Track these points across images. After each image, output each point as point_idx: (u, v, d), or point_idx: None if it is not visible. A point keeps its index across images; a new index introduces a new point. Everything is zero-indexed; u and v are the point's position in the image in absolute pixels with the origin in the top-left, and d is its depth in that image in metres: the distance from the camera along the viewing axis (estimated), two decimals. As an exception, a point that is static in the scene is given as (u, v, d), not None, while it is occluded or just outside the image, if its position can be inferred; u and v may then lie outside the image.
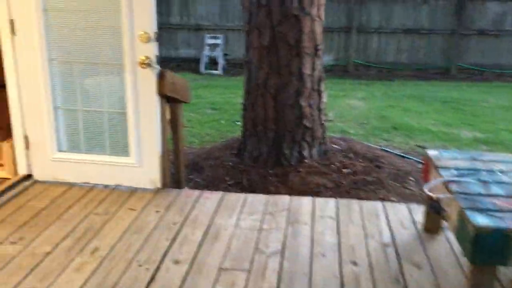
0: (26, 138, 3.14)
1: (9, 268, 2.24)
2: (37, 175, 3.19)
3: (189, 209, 2.87)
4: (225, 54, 10.16)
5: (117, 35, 2.89)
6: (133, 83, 2.94)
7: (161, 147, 3.08)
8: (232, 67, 10.19)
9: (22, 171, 3.20)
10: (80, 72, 3.02)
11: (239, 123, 4.96)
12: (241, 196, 3.08)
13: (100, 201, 2.94)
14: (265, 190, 3.47)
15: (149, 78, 2.93)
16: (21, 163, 3.20)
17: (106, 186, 3.12)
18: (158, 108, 3.01)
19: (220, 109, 6.75)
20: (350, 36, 10.26)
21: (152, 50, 2.89)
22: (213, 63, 10.10)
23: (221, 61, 10.03)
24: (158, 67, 2.94)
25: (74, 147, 3.16)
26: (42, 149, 3.14)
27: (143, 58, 2.87)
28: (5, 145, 3.20)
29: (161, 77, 2.95)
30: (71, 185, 3.13)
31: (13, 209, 2.80)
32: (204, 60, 10.06)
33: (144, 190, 3.08)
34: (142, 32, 2.85)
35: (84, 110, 3.08)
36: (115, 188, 3.10)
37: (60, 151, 3.15)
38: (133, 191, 3.08)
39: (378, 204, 3.03)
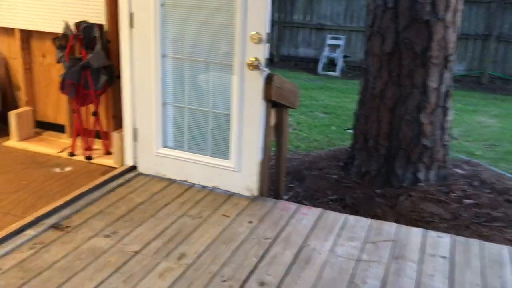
0: (135, 130, 3.20)
1: (97, 263, 2.24)
2: (141, 168, 3.24)
3: (283, 225, 2.68)
4: (345, 56, 9.79)
5: (229, 34, 2.79)
6: (240, 84, 2.82)
7: (262, 154, 2.92)
8: (351, 70, 9.80)
9: (129, 162, 3.27)
10: (190, 70, 2.98)
11: (350, 131, 4.65)
12: (342, 216, 2.81)
13: (195, 203, 2.87)
14: (370, 212, 3.15)
15: (256, 81, 2.78)
16: (128, 154, 3.27)
17: (203, 187, 3.06)
18: (263, 113, 2.85)
19: (332, 114, 6.46)
20: (488, 45, 9.26)
21: (262, 52, 2.74)
22: (331, 64, 9.79)
23: (340, 63, 9.68)
24: (266, 70, 2.78)
25: (178, 144, 3.14)
26: (148, 143, 3.17)
27: (252, 59, 2.73)
28: (116, 135, 3.28)
29: (268, 80, 2.79)
30: (170, 182, 3.12)
31: (113, 200, 2.85)
32: (322, 61, 9.81)
33: (240, 196, 2.96)
34: (254, 33, 2.70)
35: (190, 108, 3.04)
36: (212, 191, 3.02)
37: (164, 146, 3.15)
38: (229, 196, 2.97)
39: (504, 249, 2.56)
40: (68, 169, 3.28)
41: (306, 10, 10.23)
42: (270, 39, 2.76)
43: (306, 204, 3.32)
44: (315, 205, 3.30)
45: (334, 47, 9.82)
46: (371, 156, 3.54)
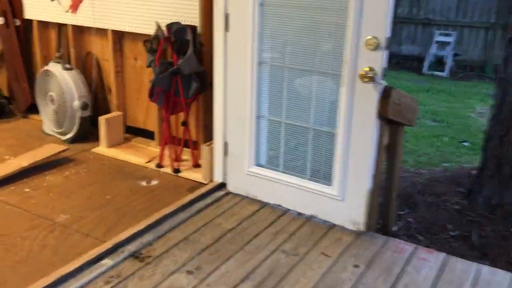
0: (225, 144, 2.87)
1: (177, 309, 1.93)
2: (230, 186, 2.91)
3: (397, 273, 2.19)
4: (456, 54, 8.82)
5: (338, 38, 2.34)
6: (349, 99, 2.36)
7: (372, 181, 2.44)
8: (461, 69, 8.82)
9: (218, 178, 2.96)
10: (290, 80, 2.57)
11: (466, 144, 3.97)
12: (472, 266, 2.26)
13: (290, 234, 2.48)
14: (505, 258, 2.54)
15: (369, 95, 2.31)
16: (218, 169, 2.95)
17: (299, 214, 2.65)
18: (375, 133, 2.37)
19: (442, 122, 5.73)
20: None
21: (379, 61, 2.25)
22: (439, 63, 8.88)
23: (449, 62, 8.74)
24: (383, 83, 2.29)
25: (272, 164, 2.76)
26: (240, 160, 2.83)
27: (366, 69, 2.25)
28: (205, 148, 2.98)
29: (385, 95, 2.30)
30: (262, 205, 2.75)
31: (199, 225, 2.54)
32: (429, 59, 8.92)
33: (343, 230, 2.51)
34: (370, 37, 2.23)
35: (288, 123, 2.64)
36: (310, 220, 2.61)
37: (257, 165, 2.79)
38: (329, 227, 2.53)
39: None
40: (154, 182, 3.04)
41: (413, 3, 9.37)
42: (390, 44, 2.26)
43: (420, 239, 2.79)
44: (432, 242, 2.76)
45: (443, 45, 8.89)
46: (506, 185, 2.90)
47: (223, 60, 2.73)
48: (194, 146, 3.30)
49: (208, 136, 3.22)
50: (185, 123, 3.16)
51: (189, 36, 2.95)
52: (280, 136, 2.68)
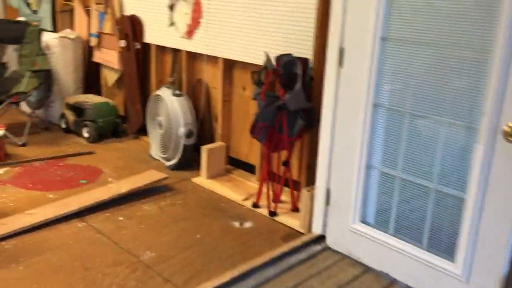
0: (328, 192, 2.54)
1: None
2: (330, 241, 2.56)
3: None
4: None
5: (475, 84, 1.90)
6: (486, 159, 1.89)
7: (509, 264, 1.93)
8: None
9: (316, 229, 2.63)
10: (411, 128, 2.17)
11: None
12: None
13: (396, 314, 2.05)
14: None
15: (515, 158, 1.82)
16: (317, 219, 2.63)
17: (410, 288, 2.21)
18: (519, 205, 1.87)
19: None
20: None
21: (531, 116, 1.77)
22: None
23: None
24: (535, 143, 1.80)
25: (380, 223, 2.36)
26: (343, 212, 2.47)
27: (513, 125, 1.78)
28: (306, 193, 2.68)
29: (537, 160, 1.80)
30: (365, 269, 2.36)
31: (289, 286, 2.23)
32: None
33: (465, 319, 2.02)
34: (521, 85, 1.76)
35: (405, 179, 2.23)
36: (422, 297, 2.15)
37: (363, 222, 2.41)
38: (447, 312, 2.06)
39: None
40: (247, 225, 2.81)
41: None
42: (549, 96, 1.77)
43: None
44: None
45: None
46: None
47: (333, 98, 2.42)
48: (294, 187, 3.02)
49: (311, 177, 2.92)
50: (286, 163, 2.89)
51: (298, 70, 2.69)
52: (393, 192, 2.28)
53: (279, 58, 2.76)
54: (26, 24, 4.34)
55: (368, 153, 2.33)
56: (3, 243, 2.47)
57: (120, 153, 3.91)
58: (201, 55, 3.62)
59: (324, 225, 2.60)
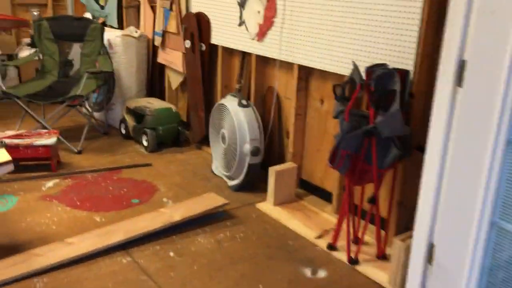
0: (431, 247, 1.95)
1: None
2: (430, 310, 1.97)
3: None
4: None
5: None
6: None
7: None
8: None
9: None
10: None
11: None
12: None
13: None
14: None
15: None
16: (413, 279, 2.03)
17: None
18: None
19: None
20: None
21: None
22: None
23: None
24: None
25: (506, 299, 1.74)
26: (451, 278, 1.87)
27: None
28: (399, 243, 2.10)
29: None
30: None
31: None
32: None
33: None
34: None
35: (550, 247, 1.59)
36: None
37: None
38: None
39: None
40: (321, 274, 2.28)
41: None
42: None
43: None
44: None
45: None
46: None
47: (445, 127, 1.82)
48: (382, 226, 2.44)
49: (402, 217, 2.34)
50: (373, 200, 2.32)
51: (396, 85, 2.11)
52: (529, 263, 1.65)
53: (371, 69, 2.18)
54: (88, 21, 4.06)
55: (493, 205, 1.71)
56: (35, 279, 2.13)
57: (179, 166, 3.52)
58: (273, 60, 3.12)
59: (423, 286, 2.01)
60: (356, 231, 2.51)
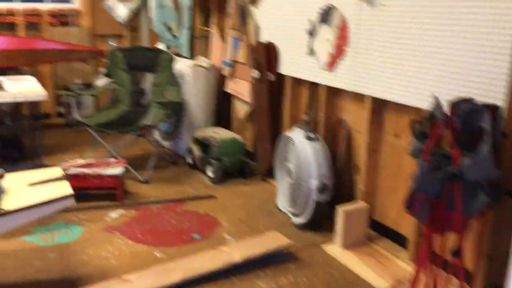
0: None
1: None
2: None
3: None
4: None
5: None
6: None
7: None
8: None
9: None
10: None
11: None
12: None
13: None
14: None
15: None
16: None
17: None
18: None
19: None
20: None
21: None
22: None
23: None
24: None
25: None
26: None
27: None
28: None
29: None
30: None
31: None
32: None
33: None
34: None
35: None
36: None
37: None
38: None
39: None
40: (395, 334, 2.02)
41: None
42: None
43: None
44: None
45: None
46: None
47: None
48: (467, 280, 2.13)
49: (491, 272, 2.04)
50: (457, 253, 2.04)
51: (485, 123, 1.85)
52: None
53: (456, 104, 1.94)
54: (159, 51, 4.12)
55: None
56: (89, 318, 2.07)
57: (244, 199, 3.40)
58: (344, 91, 2.94)
59: None
60: (436, 284, 2.22)
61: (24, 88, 3.11)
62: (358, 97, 2.85)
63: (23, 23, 4.92)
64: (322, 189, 2.81)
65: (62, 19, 5.14)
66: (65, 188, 2.21)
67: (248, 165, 3.80)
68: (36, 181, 2.28)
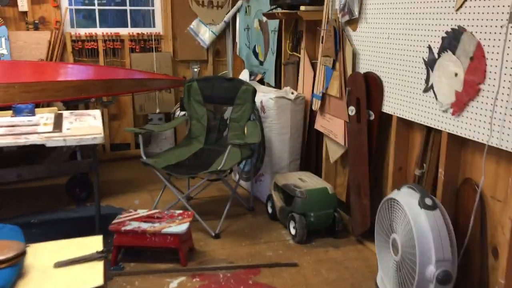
0: None
1: None
2: None
3: None
4: None
5: None
6: None
7: None
8: None
9: None
10: None
11: None
12: None
13: None
14: None
15: None
16: None
17: None
18: None
19: None
20: None
21: None
22: None
23: None
24: None
25: None
26: None
27: None
28: None
29: None
30: None
31: None
32: None
33: None
34: None
35: None
36: None
37: None
38: None
39: None
40: None
41: None
42: None
43: None
44: None
45: None
46: None
47: None
48: None
49: None
50: None
51: None
52: None
53: None
54: (239, 83, 3.58)
55: None
56: None
57: (332, 270, 2.69)
58: (476, 142, 2.15)
59: None
60: None
61: (80, 129, 2.70)
62: (500, 154, 2.04)
63: (103, 49, 4.69)
64: (444, 279, 2.03)
65: (142, 44, 4.84)
66: (97, 276, 1.70)
67: (340, 222, 3.08)
68: (65, 261, 1.80)
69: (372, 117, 2.83)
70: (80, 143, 2.53)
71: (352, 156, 3.00)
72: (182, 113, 3.95)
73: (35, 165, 3.58)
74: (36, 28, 4.43)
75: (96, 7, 4.77)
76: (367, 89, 2.83)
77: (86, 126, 2.82)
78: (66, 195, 3.73)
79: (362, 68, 2.92)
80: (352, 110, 2.95)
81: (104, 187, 4.01)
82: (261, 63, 4.55)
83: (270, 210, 3.40)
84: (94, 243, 1.97)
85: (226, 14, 5.03)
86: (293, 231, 3.07)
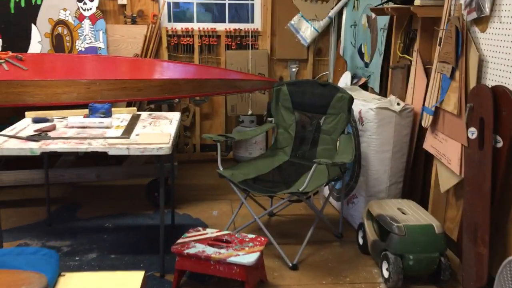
0: None
1: None
2: None
3: None
4: None
5: None
6: None
7: None
8: None
9: None
10: None
11: None
12: None
13: None
14: None
15: None
16: None
17: None
18: None
19: None
20: None
21: None
22: None
23: None
24: None
25: None
26: None
27: None
28: None
29: None
30: None
31: None
32: None
33: None
34: None
35: None
36: None
37: None
38: None
39: None
40: None
41: None
42: None
43: None
44: None
45: None
46: None
47: None
48: None
49: None
50: None
51: None
52: None
53: None
54: (334, 89, 3.09)
55: None
56: None
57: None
58: None
59: None
60: None
61: (149, 136, 2.44)
62: None
63: (198, 45, 4.47)
64: None
65: (238, 40, 4.53)
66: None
67: (447, 268, 2.48)
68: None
69: (500, 144, 2.19)
70: (144, 153, 2.27)
71: (470, 191, 2.38)
72: (270, 119, 3.58)
73: (114, 167, 3.46)
74: (133, 22, 4.34)
75: (194, 1, 4.57)
76: (494, 108, 2.19)
77: (157, 132, 2.56)
78: (146, 198, 3.57)
79: (490, 80, 2.29)
80: (473, 133, 2.33)
81: (185, 191, 3.80)
82: (366, 65, 4.00)
83: (361, 241, 2.89)
84: (133, 280, 1.67)
85: (332, 9, 4.54)
86: (386, 274, 2.53)
